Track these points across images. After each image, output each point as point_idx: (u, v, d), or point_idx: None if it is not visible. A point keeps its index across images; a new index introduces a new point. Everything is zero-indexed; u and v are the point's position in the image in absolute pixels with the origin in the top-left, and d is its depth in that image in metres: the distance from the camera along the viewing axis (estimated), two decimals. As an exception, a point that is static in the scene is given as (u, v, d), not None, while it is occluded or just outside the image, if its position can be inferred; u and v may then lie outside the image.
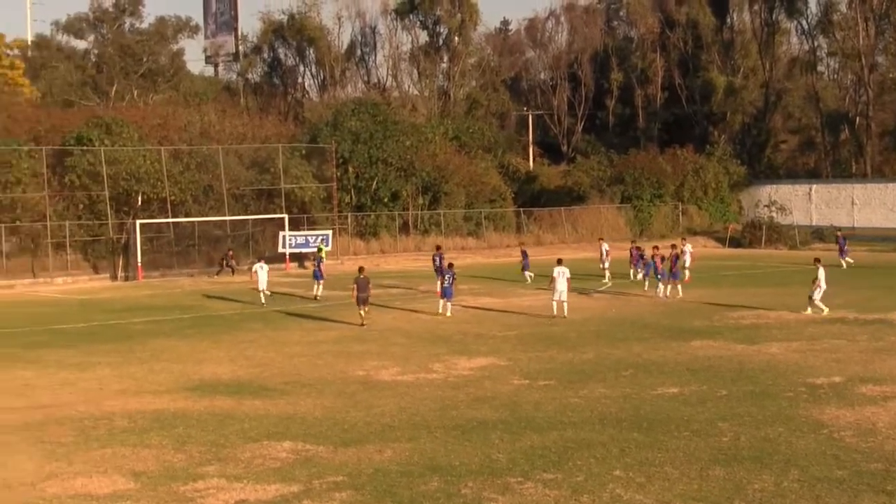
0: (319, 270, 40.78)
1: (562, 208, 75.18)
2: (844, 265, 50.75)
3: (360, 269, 33.74)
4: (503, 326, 31.87)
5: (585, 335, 29.99)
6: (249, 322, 34.36)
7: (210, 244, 58.41)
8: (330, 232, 60.13)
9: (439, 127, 76.74)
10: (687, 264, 43.61)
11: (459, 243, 68.14)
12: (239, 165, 61.55)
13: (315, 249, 50.20)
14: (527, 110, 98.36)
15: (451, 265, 34.69)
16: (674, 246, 40.94)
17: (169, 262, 56.66)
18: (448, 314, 32.79)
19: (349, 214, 65.84)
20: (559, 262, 34.83)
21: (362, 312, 32.20)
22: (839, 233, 56.51)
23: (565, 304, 33.55)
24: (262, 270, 40.44)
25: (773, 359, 25.55)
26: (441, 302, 33.18)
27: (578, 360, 26.00)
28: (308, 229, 60.84)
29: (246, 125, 67.02)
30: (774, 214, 75.53)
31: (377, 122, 68.10)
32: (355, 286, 32.40)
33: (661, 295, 38.15)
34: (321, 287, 40.52)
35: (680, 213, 77.79)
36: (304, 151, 64.16)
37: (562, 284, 33.32)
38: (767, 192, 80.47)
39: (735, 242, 71.25)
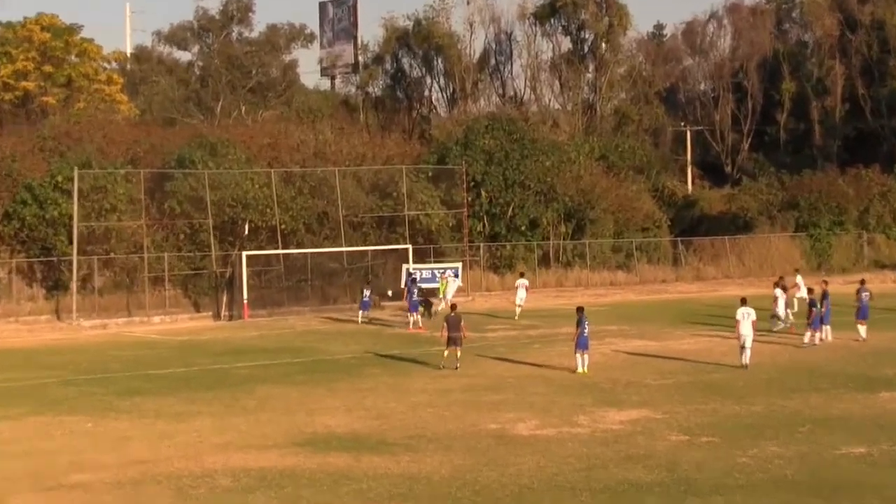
0: (425, 300, 44.09)
1: (725, 237, 74.85)
2: None
3: (453, 307, 34.24)
4: (658, 373, 31.86)
5: (754, 384, 29.90)
6: (368, 367, 34.72)
7: (324, 278, 58.11)
8: (460, 265, 59.79)
9: (584, 145, 76.99)
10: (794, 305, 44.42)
11: (607, 278, 68.38)
12: (357, 189, 61.93)
13: (442, 282, 52.47)
14: (684, 126, 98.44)
15: (579, 309, 33.03)
16: (824, 283, 41.11)
17: (278, 298, 56.23)
18: (585, 370, 32.04)
19: (481, 244, 66.24)
20: (743, 301, 34.40)
21: (447, 353, 32.80)
22: None
23: (748, 352, 33.14)
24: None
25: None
26: (577, 357, 32.25)
27: (746, 412, 25.93)
28: (435, 261, 60.95)
29: (366, 144, 67.72)
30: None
31: (513, 140, 68.67)
32: (445, 325, 32.96)
33: (807, 340, 38.14)
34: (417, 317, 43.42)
35: (864, 244, 77.67)
36: (430, 174, 64.68)
37: (746, 328, 33.08)
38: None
39: (931, 277, 70.28)
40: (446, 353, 32.85)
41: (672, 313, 49.49)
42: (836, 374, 31.27)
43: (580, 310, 32.17)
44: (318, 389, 30.50)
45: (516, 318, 46.97)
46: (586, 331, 31.74)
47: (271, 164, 60.17)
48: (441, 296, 49.96)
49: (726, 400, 27.47)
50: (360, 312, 48.30)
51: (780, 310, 42.01)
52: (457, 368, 32.35)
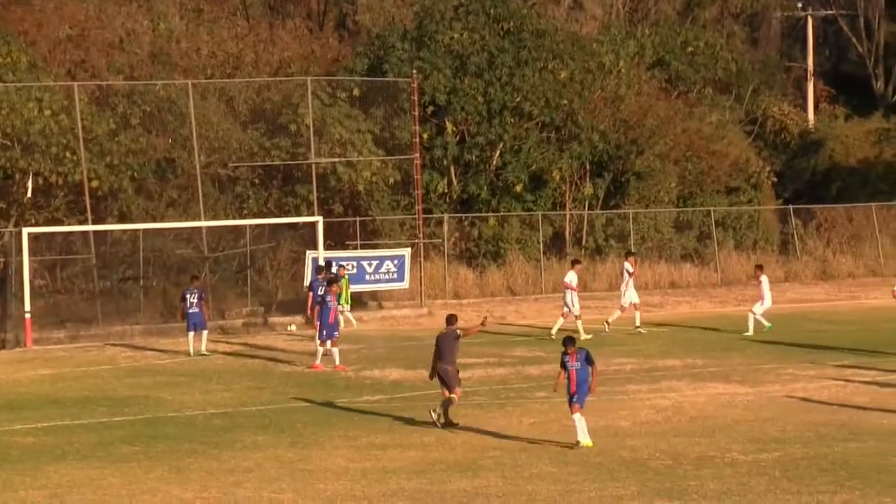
0: (328, 316, 39.49)
1: (873, 205, 66.37)
2: None
3: (449, 319, 30.98)
4: (752, 441, 27.66)
5: None
6: (246, 432, 30.69)
7: (169, 275, 51.82)
8: (407, 252, 53.42)
9: (627, 42, 67.43)
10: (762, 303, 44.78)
11: (666, 274, 60.14)
12: (228, 120, 55.32)
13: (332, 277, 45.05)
14: (804, 8, 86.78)
15: (567, 341, 28.37)
16: None
17: (87, 310, 50.30)
18: (587, 440, 27.76)
19: (445, 216, 58.27)
20: None
21: (445, 397, 30.03)
22: None
23: None
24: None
25: None
26: (576, 419, 27.74)
27: None
28: (364, 247, 55.26)
29: (243, 40, 61.12)
30: None
31: (502, 32, 60.71)
32: (435, 349, 30.43)
33: None
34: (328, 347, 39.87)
35: None
36: (356, 92, 57.53)
37: None
38: None
39: None
40: (443, 400, 30.17)
41: (779, 338, 43.84)
42: None
43: (569, 342, 27.74)
44: (158, 470, 26.07)
45: (583, 334, 43.78)
46: (586, 373, 27.87)
47: (74, 74, 54.93)
48: (341, 306, 44.76)
49: (869, 488, 23.19)
50: (192, 335, 43.44)
51: None
52: (441, 425, 29.48)
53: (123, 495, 23.94)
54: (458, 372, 30.12)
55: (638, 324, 44.97)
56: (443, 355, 29.94)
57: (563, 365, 27.51)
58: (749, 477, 24.32)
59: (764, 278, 43.47)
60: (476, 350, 41.81)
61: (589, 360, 27.28)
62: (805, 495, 22.66)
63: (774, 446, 27.18)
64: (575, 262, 46.81)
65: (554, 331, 44.00)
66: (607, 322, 45.14)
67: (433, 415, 29.68)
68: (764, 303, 43.02)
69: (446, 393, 29.88)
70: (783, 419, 29.87)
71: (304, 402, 34.23)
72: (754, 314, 42.73)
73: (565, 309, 44.90)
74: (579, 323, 44.08)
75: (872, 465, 24.92)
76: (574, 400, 27.12)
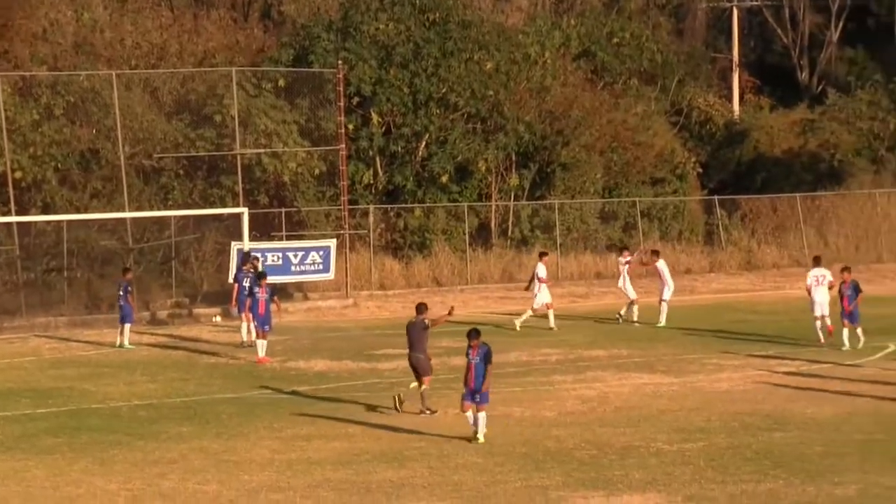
0: (257, 308, 39.65)
1: (797, 195, 66.47)
2: None
3: (418, 308, 30.95)
4: (677, 431, 28.08)
5: (840, 448, 26.17)
6: (171, 423, 30.53)
7: (93, 266, 51.87)
8: (333, 243, 53.33)
9: (553, 33, 67.64)
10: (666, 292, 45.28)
11: (591, 265, 60.44)
12: (153, 110, 55.34)
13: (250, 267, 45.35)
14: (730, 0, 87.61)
15: (472, 333, 28.84)
16: (844, 270, 40.60)
17: (9, 302, 50.29)
18: (481, 437, 27.63)
19: (371, 207, 58.83)
20: (816, 261, 41.44)
21: (410, 389, 30.51)
22: None
23: (828, 321, 39.71)
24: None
25: None
26: (469, 415, 28.11)
27: (827, 500, 22.23)
28: (290, 239, 55.08)
29: (167, 30, 61.05)
30: None
31: (428, 24, 61.31)
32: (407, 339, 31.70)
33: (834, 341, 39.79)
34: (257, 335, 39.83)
35: None
36: (282, 83, 57.70)
37: (822, 295, 39.29)
38: None
39: None
40: (412, 385, 31.20)
41: (703, 328, 44.72)
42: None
43: (473, 334, 27.80)
44: (82, 462, 26.15)
45: (553, 326, 44.09)
46: (483, 370, 27.40)
47: (-9, 62, 57.56)
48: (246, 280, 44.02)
49: (793, 477, 23.61)
50: (124, 328, 43.71)
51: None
52: (429, 413, 29.60)
53: (48, 487, 23.97)
54: (429, 360, 30.30)
55: (552, 325, 44.74)
56: (413, 344, 30.15)
57: (468, 357, 27.82)
58: (674, 466, 24.48)
59: (661, 263, 43.82)
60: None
61: (487, 359, 27.29)
62: (730, 484, 22.90)
63: (699, 436, 27.39)
64: (542, 255, 47.17)
65: (519, 322, 44.17)
66: (517, 320, 45.31)
67: (397, 400, 29.70)
68: (669, 287, 43.25)
69: (418, 382, 30.16)
70: (708, 409, 30.14)
71: (229, 393, 34.23)
72: (665, 301, 42.99)
73: (536, 300, 45.14)
74: (551, 312, 44.30)
75: (796, 454, 25.19)
76: (478, 400, 27.22)
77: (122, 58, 57.42)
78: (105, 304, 50.05)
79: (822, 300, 40.83)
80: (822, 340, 39.80)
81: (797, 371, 35.52)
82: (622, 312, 45.91)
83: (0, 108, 50.32)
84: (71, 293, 50.72)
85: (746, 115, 79.82)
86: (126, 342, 42.68)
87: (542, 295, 44.75)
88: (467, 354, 27.37)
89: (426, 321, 30.11)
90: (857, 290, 38.28)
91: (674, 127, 71.47)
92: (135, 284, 45.82)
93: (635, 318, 46.03)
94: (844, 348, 38.44)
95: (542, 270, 44.63)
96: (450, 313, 30.96)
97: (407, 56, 59.33)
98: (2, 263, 51.07)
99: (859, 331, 38.13)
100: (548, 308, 44.42)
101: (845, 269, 40.38)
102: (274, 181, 56.02)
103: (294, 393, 33.83)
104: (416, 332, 30.19)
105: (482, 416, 27.52)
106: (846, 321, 38.30)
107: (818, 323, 40.90)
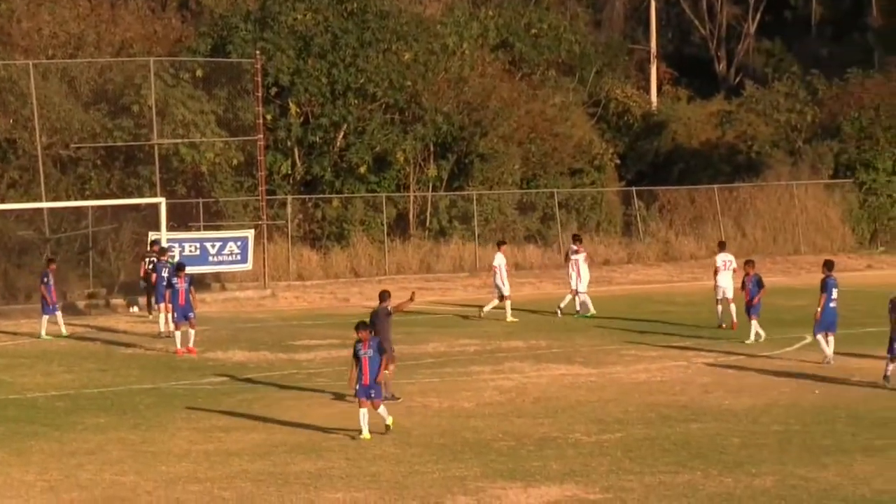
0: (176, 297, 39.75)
1: (714, 187, 67.54)
2: None
3: (381, 296, 31.43)
4: (595, 422, 28.83)
5: (757, 439, 26.74)
6: (88, 414, 30.93)
7: (9, 257, 52.44)
8: (251, 233, 54.37)
9: (471, 24, 68.36)
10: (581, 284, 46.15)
11: (508, 255, 56.80)
12: (70, 100, 55.60)
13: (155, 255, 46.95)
14: None
15: (367, 324, 29.21)
16: (748, 264, 40.88)
17: None
18: (387, 422, 27.87)
19: (289, 198, 59.58)
20: (722, 246, 43.12)
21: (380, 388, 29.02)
22: None
23: (733, 308, 40.19)
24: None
25: None
26: (361, 413, 27.66)
27: (745, 491, 22.59)
28: (207, 229, 55.88)
29: (85, 20, 60.64)
30: None
31: (346, 14, 61.84)
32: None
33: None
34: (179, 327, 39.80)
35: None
36: (199, 73, 58.32)
37: (726, 279, 40.18)
38: None
39: None
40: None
41: (621, 318, 45.86)
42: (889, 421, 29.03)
43: (361, 326, 28.04)
44: None
45: (509, 318, 44.63)
46: (378, 363, 27.46)
47: None
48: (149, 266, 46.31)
49: (711, 468, 24.19)
50: (46, 318, 43.95)
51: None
52: (392, 397, 30.09)
53: (-40, 479, 24.17)
54: (392, 349, 30.70)
55: (509, 317, 44.96)
56: (377, 332, 30.18)
57: (356, 354, 27.25)
58: (592, 458, 24.94)
59: (583, 253, 44.68)
60: (320, 332, 42.84)
61: (381, 350, 27.34)
62: (647, 476, 23.28)
63: (617, 427, 27.95)
64: (500, 244, 47.61)
65: (485, 310, 44.63)
66: (481, 310, 45.34)
67: (390, 392, 30.06)
68: (584, 278, 44.14)
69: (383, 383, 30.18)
70: (625, 400, 30.77)
71: (147, 384, 34.48)
72: (584, 293, 43.86)
73: (496, 291, 45.29)
74: (508, 304, 44.57)
75: (714, 445, 25.78)
76: (372, 396, 27.02)
77: (39, 47, 57.47)
78: (22, 295, 50.11)
79: (727, 285, 42.00)
80: (724, 326, 40.98)
81: (715, 362, 36.07)
82: (562, 305, 45.81)
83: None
84: (-14, 285, 52.06)
85: (664, 106, 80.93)
86: (42, 333, 42.67)
87: (506, 282, 44.96)
88: (356, 349, 27.18)
89: (388, 308, 30.55)
90: (759, 284, 38.89)
91: (592, 118, 72.31)
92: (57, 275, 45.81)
93: (573, 308, 46.03)
94: (748, 341, 39.04)
95: (500, 259, 44.98)
96: (411, 299, 31.25)
97: (325, 46, 59.57)
98: None
99: (754, 323, 38.80)
100: (505, 299, 44.64)
101: (749, 262, 40.82)
102: (192, 171, 56.20)
103: (212, 384, 33.96)
104: (379, 320, 30.39)
105: (383, 409, 27.47)
106: (749, 314, 38.95)
107: (719, 307, 41.96)
